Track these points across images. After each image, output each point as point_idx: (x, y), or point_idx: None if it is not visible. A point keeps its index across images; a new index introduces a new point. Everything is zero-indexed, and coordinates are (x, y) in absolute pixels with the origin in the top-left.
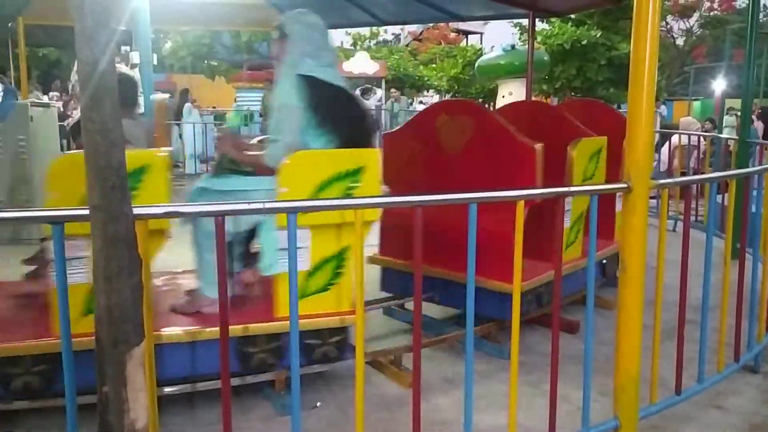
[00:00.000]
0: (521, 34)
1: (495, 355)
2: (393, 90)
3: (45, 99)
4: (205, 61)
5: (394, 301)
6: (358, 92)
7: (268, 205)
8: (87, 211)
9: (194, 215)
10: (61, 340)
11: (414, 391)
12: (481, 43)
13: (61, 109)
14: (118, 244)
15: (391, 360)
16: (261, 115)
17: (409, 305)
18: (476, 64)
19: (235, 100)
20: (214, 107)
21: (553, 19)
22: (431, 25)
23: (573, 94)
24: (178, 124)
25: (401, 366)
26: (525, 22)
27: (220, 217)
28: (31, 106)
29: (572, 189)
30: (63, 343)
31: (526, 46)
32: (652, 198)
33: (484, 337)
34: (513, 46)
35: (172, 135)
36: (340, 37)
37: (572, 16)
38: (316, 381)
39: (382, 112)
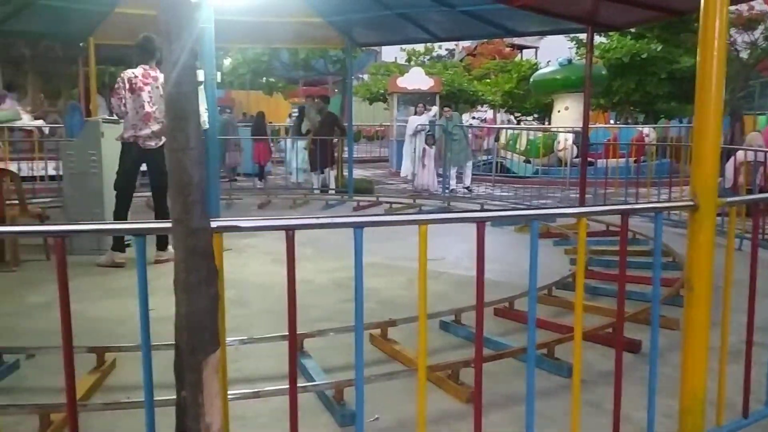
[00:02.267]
0: (578, 48)
1: (554, 372)
2: (446, 108)
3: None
4: (264, 78)
5: (448, 314)
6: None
7: (336, 220)
8: (169, 224)
9: (267, 229)
10: (141, 345)
11: (476, 408)
12: (536, 57)
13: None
14: (197, 256)
15: (449, 374)
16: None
17: (465, 318)
18: (531, 79)
19: (290, 115)
20: (270, 122)
21: (611, 33)
22: (486, 40)
23: (632, 108)
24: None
25: (459, 381)
26: (582, 35)
27: (290, 231)
28: (102, 122)
29: (637, 206)
30: (143, 349)
31: (583, 60)
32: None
33: (543, 354)
34: (569, 61)
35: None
36: (394, 53)
37: (631, 29)
38: (375, 394)
39: (436, 127)
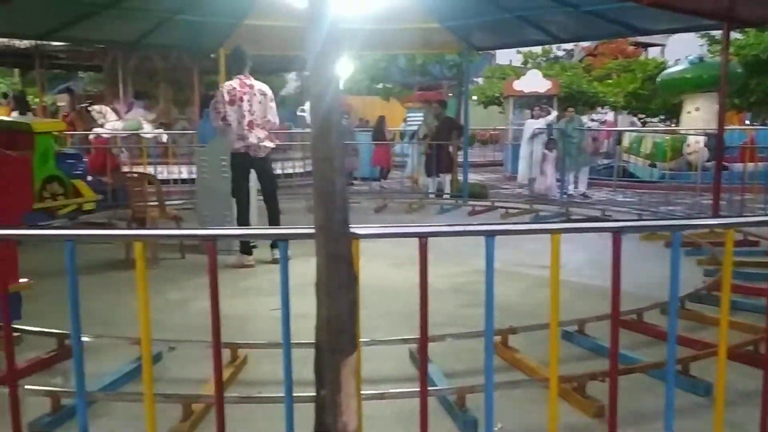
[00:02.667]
0: (710, 45)
1: (689, 390)
2: (569, 109)
3: None
4: (381, 83)
5: (572, 324)
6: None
7: (468, 228)
8: (312, 230)
9: (402, 236)
10: (282, 342)
11: (610, 424)
12: (662, 55)
13: None
14: (338, 261)
15: (574, 387)
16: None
17: (589, 329)
18: (659, 79)
19: (405, 120)
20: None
21: (747, 29)
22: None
23: None
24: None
25: (585, 394)
26: (715, 32)
27: (424, 238)
28: None
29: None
30: (284, 346)
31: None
32: None
33: (677, 371)
34: (701, 59)
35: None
36: (509, 55)
37: None
38: (496, 402)
39: (554, 131)
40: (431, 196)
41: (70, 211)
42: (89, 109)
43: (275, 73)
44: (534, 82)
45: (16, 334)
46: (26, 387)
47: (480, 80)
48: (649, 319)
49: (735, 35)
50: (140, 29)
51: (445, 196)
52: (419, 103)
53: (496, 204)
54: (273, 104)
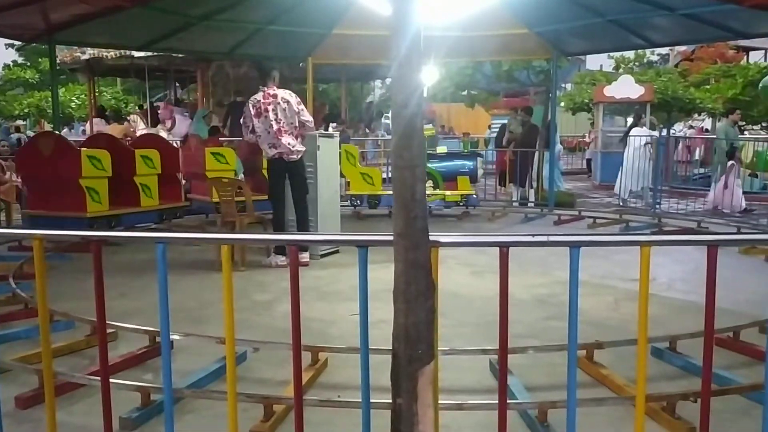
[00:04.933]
0: None
1: None
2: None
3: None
4: (466, 91)
5: (663, 340)
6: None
7: (552, 238)
8: (390, 237)
9: (483, 245)
10: (360, 347)
11: None
12: (765, 59)
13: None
14: (417, 269)
15: (663, 406)
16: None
17: (681, 346)
18: (761, 84)
19: (489, 127)
20: (467, 133)
21: None
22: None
23: None
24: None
25: (675, 414)
26: None
27: (505, 248)
28: (319, 136)
29: None
30: (362, 352)
31: None
32: None
33: None
34: None
35: None
36: (600, 60)
37: None
38: (580, 418)
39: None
40: (515, 204)
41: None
42: (128, 118)
43: (363, 81)
44: (626, 88)
45: (112, 330)
46: (118, 381)
47: (568, 86)
48: (747, 338)
49: None
50: (234, 40)
51: (529, 204)
52: (505, 110)
53: (583, 213)
54: (301, 107)
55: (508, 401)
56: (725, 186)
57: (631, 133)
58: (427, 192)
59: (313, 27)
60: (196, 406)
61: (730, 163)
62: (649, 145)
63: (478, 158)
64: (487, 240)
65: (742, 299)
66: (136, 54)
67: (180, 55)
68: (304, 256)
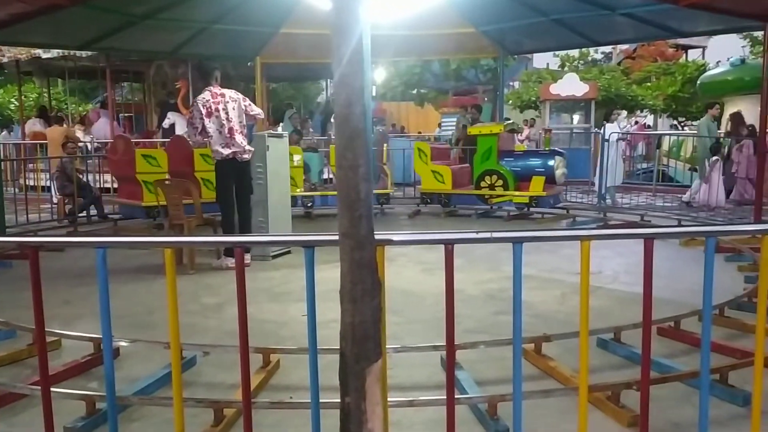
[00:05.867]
0: (752, 46)
1: (727, 400)
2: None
3: (278, 130)
4: (415, 89)
5: (607, 331)
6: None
7: (495, 234)
8: (336, 237)
9: (428, 243)
10: (309, 348)
11: None
12: (703, 57)
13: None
14: (362, 268)
15: (608, 396)
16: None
17: (625, 337)
18: (699, 81)
19: (439, 125)
20: (419, 132)
21: None
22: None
23: None
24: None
25: (620, 403)
26: (758, 33)
27: (449, 245)
28: (268, 136)
29: None
30: (310, 353)
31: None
32: None
33: (715, 380)
34: (743, 60)
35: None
36: (546, 59)
37: None
38: (529, 410)
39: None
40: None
41: (502, 201)
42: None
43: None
44: (571, 86)
45: (55, 338)
46: (61, 390)
47: (516, 84)
48: (688, 327)
49: None
50: (178, 39)
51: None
52: (454, 109)
53: (532, 209)
54: (247, 102)
55: (459, 396)
56: (706, 181)
57: (606, 129)
58: (489, 193)
59: (260, 26)
60: (144, 414)
61: (714, 158)
62: (622, 142)
63: (557, 156)
64: (432, 237)
65: (683, 289)
66: (81, 54)
67: (120, 55)
68: (246, 258)
